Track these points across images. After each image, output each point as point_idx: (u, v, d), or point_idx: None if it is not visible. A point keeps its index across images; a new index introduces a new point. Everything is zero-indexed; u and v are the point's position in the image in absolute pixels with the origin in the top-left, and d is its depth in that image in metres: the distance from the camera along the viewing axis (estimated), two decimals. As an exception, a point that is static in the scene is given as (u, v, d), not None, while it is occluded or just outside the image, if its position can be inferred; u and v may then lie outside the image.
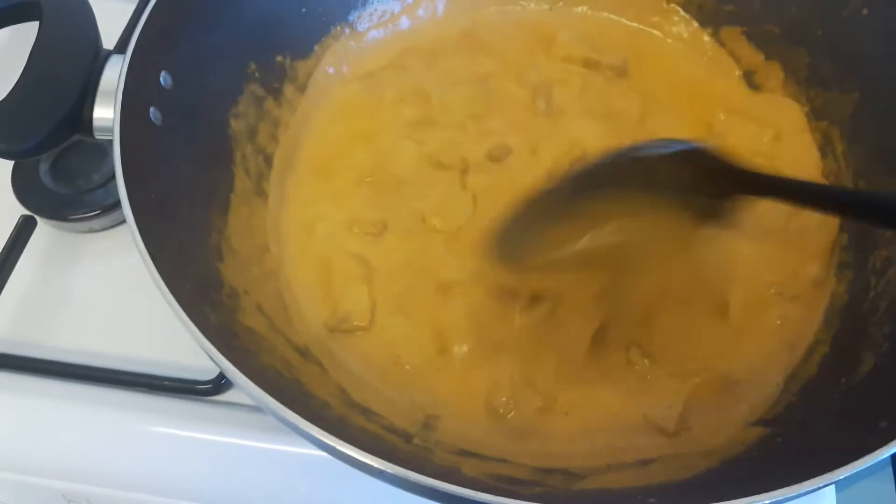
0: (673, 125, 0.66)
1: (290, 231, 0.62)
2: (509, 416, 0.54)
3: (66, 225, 0.67)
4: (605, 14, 0.74)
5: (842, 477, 0.39)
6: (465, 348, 0.56)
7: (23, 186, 0.68)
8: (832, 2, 0.63)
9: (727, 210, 0.52)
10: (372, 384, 0.55)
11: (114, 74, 0.52)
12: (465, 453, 0.48)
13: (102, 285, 0.65)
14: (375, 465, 0.37)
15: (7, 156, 0.51)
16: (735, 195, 0.52)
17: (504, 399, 0.54)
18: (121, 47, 0.64)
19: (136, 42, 0.52)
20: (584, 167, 0.54)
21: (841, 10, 0.62)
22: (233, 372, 0.40)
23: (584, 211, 0.53)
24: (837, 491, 0.56)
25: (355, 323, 0.57)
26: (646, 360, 0.56)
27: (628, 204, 0.53)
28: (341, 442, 0.38)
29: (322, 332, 0.57)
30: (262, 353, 0.49)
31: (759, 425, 0.52)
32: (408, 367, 0.56)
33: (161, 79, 0.54)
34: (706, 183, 0.51)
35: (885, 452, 0.40)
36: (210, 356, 0.41)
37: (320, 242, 0.61)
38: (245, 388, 0.40)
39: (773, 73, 0.68)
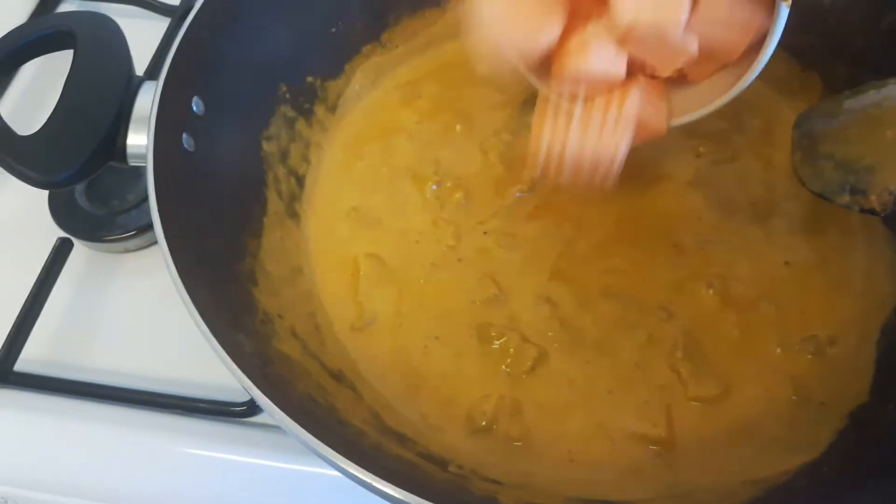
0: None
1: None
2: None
3: (102, 245, 0.68)
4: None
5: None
6: None
7: (59, 208, 0.69)
8: (871, 13, 0.61)
9: None
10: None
11: (147, 101, 0.52)
12: (498, 482, 0.48)
13: (137, 305, 0.66)
14: (410, 502, 0.37)
15: (42, 185, 0.52)
16: None
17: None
18: (152, 72, 0.65)
19: (169, 68, 0.53)
20: None
21: (879, 22, 0.61)
22: (269, 405, 0.40)
23: None
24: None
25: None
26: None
27: None
28: (377, 478, 0.38)
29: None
30: (296, 380, 0.49)
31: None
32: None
33: (193, 104, 0.55)
34: None
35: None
36: (246, 389, 0.41)
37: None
38: (281, 422, 0.40)
39: (811, 84, 0.66)
